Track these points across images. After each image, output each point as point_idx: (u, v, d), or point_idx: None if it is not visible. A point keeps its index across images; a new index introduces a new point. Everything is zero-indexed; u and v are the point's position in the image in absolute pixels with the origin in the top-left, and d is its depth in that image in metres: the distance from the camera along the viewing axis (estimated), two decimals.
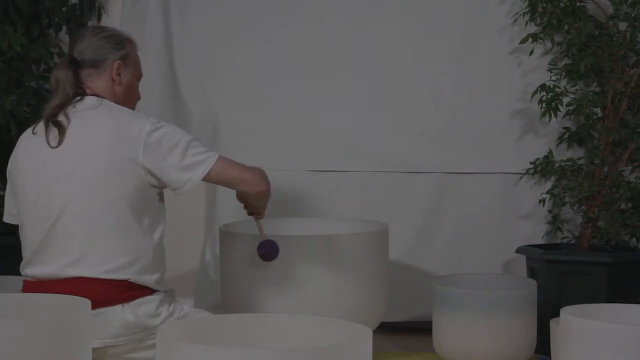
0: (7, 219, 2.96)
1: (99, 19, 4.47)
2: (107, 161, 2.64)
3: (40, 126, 2.74)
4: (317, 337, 2.20)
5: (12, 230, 4.07)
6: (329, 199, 4.16)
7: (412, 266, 4.16)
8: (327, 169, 4.19)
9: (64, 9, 4.32)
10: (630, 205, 3.96)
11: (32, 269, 2.76)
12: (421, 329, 4.00)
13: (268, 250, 3.05)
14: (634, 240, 3.96)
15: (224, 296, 3.44)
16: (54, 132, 2.70)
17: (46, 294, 2.60)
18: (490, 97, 4.16)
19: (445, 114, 4.18)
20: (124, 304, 2.67)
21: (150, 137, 2.65)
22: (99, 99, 2.76)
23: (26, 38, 3.97)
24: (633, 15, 3.86)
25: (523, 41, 4.03)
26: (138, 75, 2.93)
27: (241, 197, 2.97)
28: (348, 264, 3.31)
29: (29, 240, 2.76)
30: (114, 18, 4.45)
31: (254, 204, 2.97)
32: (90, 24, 4.42)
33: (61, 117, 2.71)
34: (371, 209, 4.10)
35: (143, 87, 4.52)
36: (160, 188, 2.74)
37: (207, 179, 2.71)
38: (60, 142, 2.68)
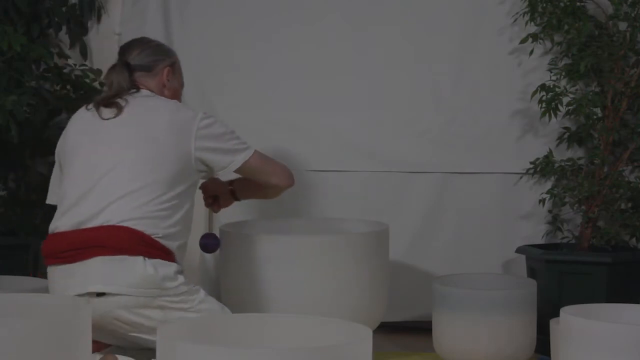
0: (50, 199, 3.14)
1: (98, 19, 4.46)
2: (161, 138, 2.89)
3: (92, 106, 3.01)
4: (317, 337, 2.20)
5: (12, 230, 4.09)
6: (329, 199, 4.16)
7: (412, 266, 4.16)
8: (327, 169, 4.19)
9: (64, 9, 4.32)
10: (630, 205, 3.96)
11: (61, 221, 2.88)
12: (421, 329, 3.99)
13: (209, 242, 3.31)
14: (634, 240, 3.96)
15: (224, 296, 3.44)
16: (110, 109, 2.97)
17: (48, 295, 2.61)
18: (490, 97, 4.16)
19: (445, 114, 4.17)
20: (146, 258, 2.77)
21: (201, 122, 2.95)
22: (152, 92, 3.07)
23: (26, 38, 3.96)
24: (633, 15, 3.86)
25: (523, 41, 4.03)
26: (182, 83, 3.24)
27: (205, 188, 3.33)
28: (348, 264, 3.31)
29: (68, 196, 2.89)
30: (114, 18, 4.45)
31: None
32: (90, 24, 4.43)
33: (118, 100, 2.98)
34: (371, 209, 4.10)
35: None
36: (203, 173, 3.01)
37: (245, 165, 3.03)
38: (117, 115, 2.96)
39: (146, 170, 2.85)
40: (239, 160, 3.01)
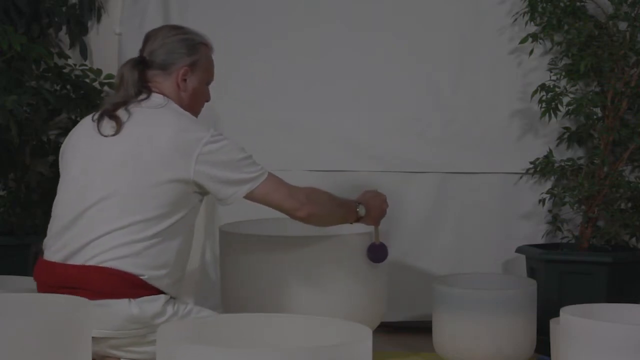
0: None
1: (98, 19, 4.46)
2: (157, 163, 2.64)
3: (97, 117, 2.75)
4: (317, 337, 2.20)
5: (12, 230, 4.09)
6: None
7: (412, 266, 4.16)
8: (327, 169, 4.19)
9: (64, 9, 4.32)
10: (630, 205, 3.96)
11: (52, 246, 2.73)
12: (421, 328, 4.00)
13: (373, 255, 3.27)
14: (634, 240, 3.96)
15: (224, 296, 3.44)
16: (111, 123, 2.70)
17: (47, 294, 2.60)
18: (490, 97, 4.16)
19: (445, 114, 4.18)
20: (131, 300, 2.63)
21: (205, 147, 2.66)
22: (165, 98, 2.77)
23: (26, 38, 3.96)
24: (633, 15, 3.86)
25: (523, 41, 4.03)
26: (207, 80, 2.92)
27: None
28: (348, 264, 3.30)
29: (59, 217, 2.74)
30: (114, 18, 4.45)
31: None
32: (90, 24, 4.42)
33: (121, 112, 2.71)
34: None
35: None
36: (202, 194, 2.75)
37: (250, 196, 2.74)
38: (116, 132, 2.68)
39: (137, 205, 2.63)
40: (242, 192, 2.72)
